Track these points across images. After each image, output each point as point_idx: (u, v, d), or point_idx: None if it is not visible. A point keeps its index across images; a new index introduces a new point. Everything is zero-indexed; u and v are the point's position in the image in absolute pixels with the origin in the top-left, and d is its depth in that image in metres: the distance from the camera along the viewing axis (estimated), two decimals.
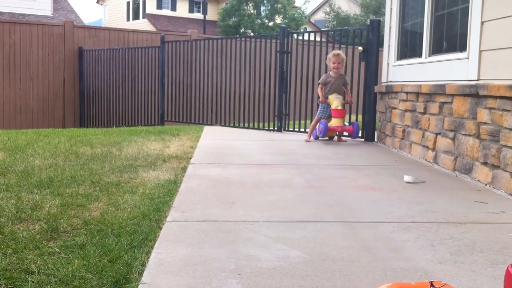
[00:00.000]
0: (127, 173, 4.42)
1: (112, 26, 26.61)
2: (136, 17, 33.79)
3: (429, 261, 2.46)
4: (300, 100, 8.35)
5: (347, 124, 7.10)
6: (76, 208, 3.28)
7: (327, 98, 6.96)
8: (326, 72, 7.44)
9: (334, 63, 6.96)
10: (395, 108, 6.30)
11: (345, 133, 7.18)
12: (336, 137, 7.17)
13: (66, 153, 5.40)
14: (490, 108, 4.11)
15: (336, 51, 7.12)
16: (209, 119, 9.93)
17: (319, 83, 7.22)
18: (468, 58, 4.57)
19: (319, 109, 7.15)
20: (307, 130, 8.08)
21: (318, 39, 8.71)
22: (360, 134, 7.33)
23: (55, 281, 2.15)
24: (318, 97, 7.22)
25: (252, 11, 30.75)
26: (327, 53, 7.80)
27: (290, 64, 8.34)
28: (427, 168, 5.05)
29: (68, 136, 7.01)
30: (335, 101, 6.82)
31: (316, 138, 7.14)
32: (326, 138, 7.06)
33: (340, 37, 8.83)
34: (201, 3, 33.34)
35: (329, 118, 6.98)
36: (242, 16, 30.17)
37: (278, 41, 8.47)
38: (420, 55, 5.70)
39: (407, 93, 5.88)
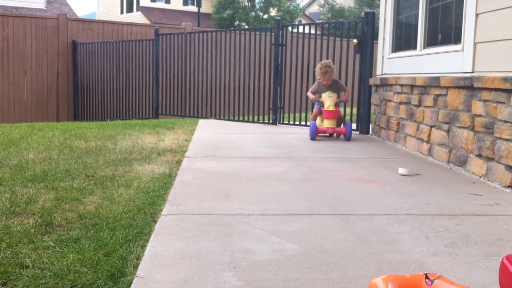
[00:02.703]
0: (121, 167, 4.41)
1: (106, 19, 26.47)
2: (130, 10, 33.59)
3: (424, 253, 2.47)
4: (295, 93, 8.34)
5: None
6: (70, 202, 3.27)
7: (320, 97, 6.66)
8: None
9: (323, 80, 6.69)
10: (390, 100, 6.31)
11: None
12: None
13: (60, 147, 5.37)
14: (485, 100, 4.12)
15: (324, 65, 6.67)
16: (204, 112, 9.91)
17: (310, 90, 6.96)
18: (462, 51, 4.57)
19: (315, 106, 6.91)
20: (302, 123, 8.08)
21: (312, 31, 8.70)
22: (354, 127, 7.34)
23: (50, 275, 2.14)
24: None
25: (246, 4, 30.62)
26: (322, 46, 7.79)
27: (285, 57, 8.33)
28: (421, 160, 5.06)
29: (62, 129, 6.98)
30: (328, 100, 6.53)
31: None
32: (327, 134, 6.76)
33: (334, 30, 8.82)
34: None
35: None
36: (236, 9, 30.04)
37: (273, 33, 8.45)
38: (415, 48, 5.70)
39: (401, 85, 5.88)
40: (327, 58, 7.65)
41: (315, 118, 6.76)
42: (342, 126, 6.62)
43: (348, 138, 6.49)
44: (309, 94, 6.90)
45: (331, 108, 6.49)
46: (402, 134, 5.90)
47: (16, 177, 3.90)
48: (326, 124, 6.56)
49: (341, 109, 7.15)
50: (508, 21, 3.91)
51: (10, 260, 2.30)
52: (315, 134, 6.51)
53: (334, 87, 6.74)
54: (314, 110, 6.88)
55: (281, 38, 8.31)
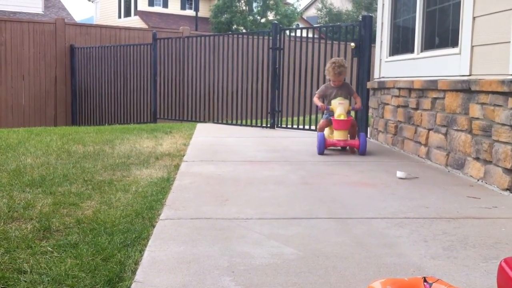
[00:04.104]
0: (119, 171, 4.40)
1: (104, 24, 26.50)
2: (127, 14, 33.62)
3: (422, 256, 2.47)
4: (293, 97, 8.34)
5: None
6: (68, 206, 3.26)
7: (329, 104, 5.69)
8: (318, 69, 7.38)
9: (334, 81, 5.76)
10: (387, 104, 6.31)
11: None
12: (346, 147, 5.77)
13: (58, 152, 5.37)
14: (482, 103, 4.12)
15: (338, 65, 5.68)
16: (202, 116, 9.90)
17: (316, 94, 6.00)
18: (460, 54, 4.58)
19: (323, 115, 5.93)
20: (300, 126, 8.08)
21: (310, 35, 8.71)
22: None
23: (48, 280, 2.14)
24: (318, 98, 5.90)
25: (244, 8, 30.67)
26: (319, 49, 7.79)
27: (282, 60, 8.33)
28: (419, 163, 5.07)
29: (60, 134, 6.97)
30: (338, 108, 5.52)
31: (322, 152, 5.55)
32: (338, 148, 5.79)
33: (332, 33, 8.83)
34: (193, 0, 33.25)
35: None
36: (234, 13, 30.09)
37: (271, 37, 8.45)
38: (412, 51, 5.71)
39: (399, 89, 5.89)
40: (325, 62, 7.63)
41: (322, 130, 5.76)
42: (356, 138, 5.71)
43: (362, 152, 5.48)
44: (316, 100, 5.85)
45: (342, 117, 5.47)
46: (400, 137, 5.90)
47: (14, 182, 3.89)
48: (337, 136, 5.56)
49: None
50: (505, 24, 3.92)
51: (8, 265, 2.29)
52: (324, 148, 5.49)
53: (345, 90, 5.80)
54: (322, 120, 5.86)
55: (278, 42, 8.31)
